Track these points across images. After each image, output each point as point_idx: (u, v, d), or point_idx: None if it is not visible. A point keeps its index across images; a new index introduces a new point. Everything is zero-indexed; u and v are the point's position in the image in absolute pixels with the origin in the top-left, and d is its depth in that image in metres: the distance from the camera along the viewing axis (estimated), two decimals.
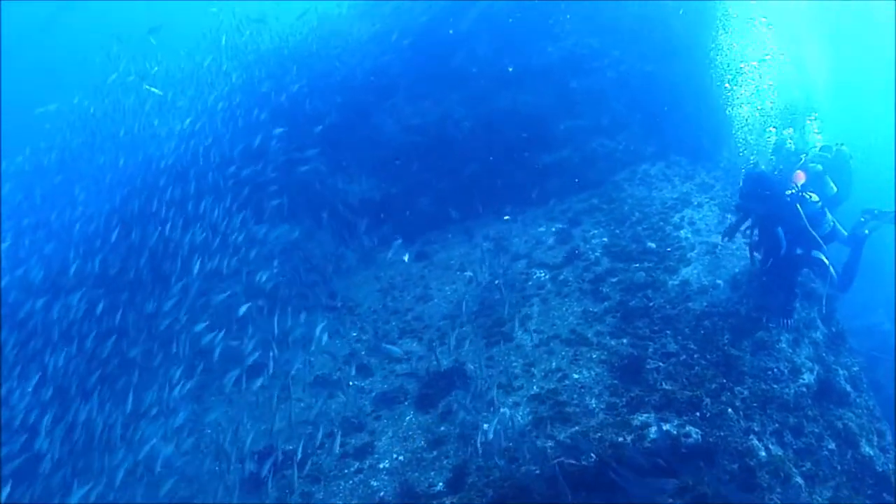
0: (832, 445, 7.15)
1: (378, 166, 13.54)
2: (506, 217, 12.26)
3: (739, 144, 11.18)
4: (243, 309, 10.27)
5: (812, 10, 20.54)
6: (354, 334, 10.47)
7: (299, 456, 7.91)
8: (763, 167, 10.21)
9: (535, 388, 7.84)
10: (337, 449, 7.94)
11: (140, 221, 12.20)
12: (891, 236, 9.91)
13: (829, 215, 8.54)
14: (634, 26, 13.29)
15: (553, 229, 11.43)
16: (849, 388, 7.98)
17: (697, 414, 6.94)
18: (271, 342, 10.49)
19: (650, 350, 7.90)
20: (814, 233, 7.98)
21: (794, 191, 8.14)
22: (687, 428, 6.71)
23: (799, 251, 7.95)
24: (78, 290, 11.02)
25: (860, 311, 15.86)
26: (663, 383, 7.39)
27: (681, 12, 13.16)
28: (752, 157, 10.00)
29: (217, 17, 16.68)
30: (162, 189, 12.57)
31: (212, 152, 13.51)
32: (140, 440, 8.88)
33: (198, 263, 11.35)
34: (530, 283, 10.14)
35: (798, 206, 8.02)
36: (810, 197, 8.26)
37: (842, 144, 9.84)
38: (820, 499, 6.61)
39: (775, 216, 8.02)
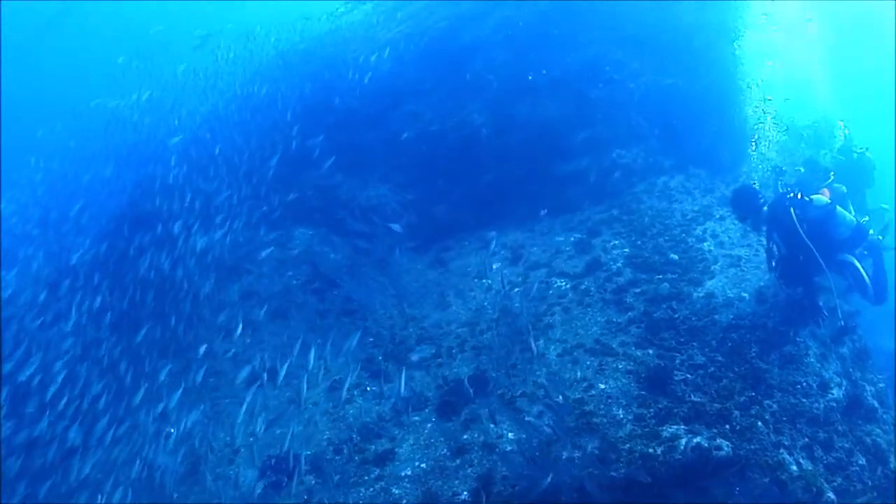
0: (862, 461, 7.07)
1: (394, 172, 13.50)
2: (543, 212, 12.12)
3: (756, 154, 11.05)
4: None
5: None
6: (371, 339, 10.37)
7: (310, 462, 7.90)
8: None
9: (560, 397, 7.74)
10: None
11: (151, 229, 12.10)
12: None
13: (847, 217, 8.09)
14: (655, 39, 13.31)
15: (572, 239, 11.36)
16: (876, 403, 7.91)
17: (727, 427, 6.86)
18: (285, 347, 10.43)
19: (677, 361, 7.81)
20: (805, 238, 7.56)
21: (792, 194, 7.99)
22: (718, 440, 6.62)
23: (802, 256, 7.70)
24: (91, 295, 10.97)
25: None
26: (692, 395, 7.31)
27: None
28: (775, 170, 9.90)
29: (208, 38, 16.87)
30: (169, 199, 12.58)
31: (224, 155, 13.53)
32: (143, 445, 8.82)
33: (210, 272, 11.36)
34: (551, 292, 10.06)
35: (792, 210, 7.80)
36: (811, 200, 7.96)
37: (866, 150, 9.76)
38: None
39: (772, 221, 7.98)
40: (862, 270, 7.65)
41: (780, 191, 8.40)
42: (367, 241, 12.55)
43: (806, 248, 7.57)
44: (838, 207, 8.00)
